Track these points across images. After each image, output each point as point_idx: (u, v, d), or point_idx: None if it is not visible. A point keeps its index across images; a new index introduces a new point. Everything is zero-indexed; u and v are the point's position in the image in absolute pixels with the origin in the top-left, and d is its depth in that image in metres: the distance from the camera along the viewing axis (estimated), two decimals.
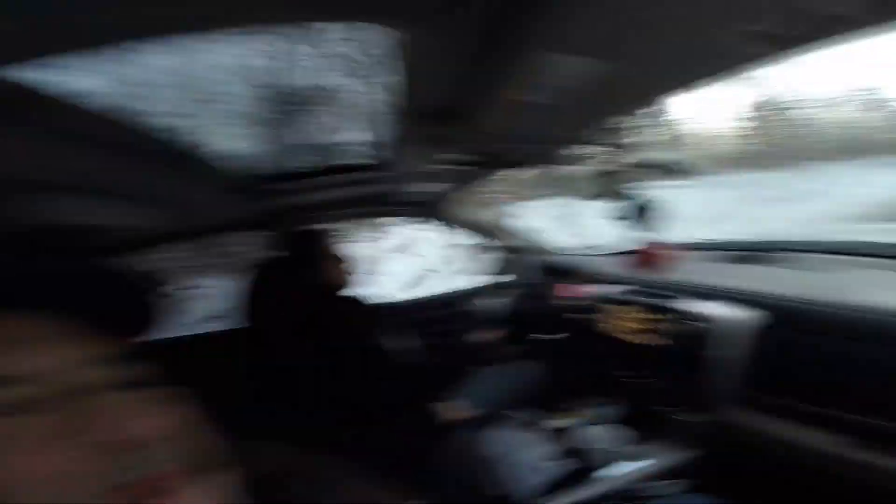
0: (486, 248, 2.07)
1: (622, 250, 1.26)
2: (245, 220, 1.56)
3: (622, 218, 1.20)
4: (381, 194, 1.66)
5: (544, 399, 1.54)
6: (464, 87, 0.74)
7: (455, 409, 1.34)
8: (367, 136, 1.20)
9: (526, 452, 1.16)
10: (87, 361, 0.39)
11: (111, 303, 0.42)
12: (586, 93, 0.75)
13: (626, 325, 1.31)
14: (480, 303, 1.91)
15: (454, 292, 2.22)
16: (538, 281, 1.95)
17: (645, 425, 1.21)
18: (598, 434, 1.13)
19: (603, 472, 1.07)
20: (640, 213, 1.17)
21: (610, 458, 1.09)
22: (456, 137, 0.91)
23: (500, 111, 0.81)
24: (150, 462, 0.36)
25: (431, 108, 0.82)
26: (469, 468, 1.15)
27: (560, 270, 1.86)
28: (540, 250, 2.05)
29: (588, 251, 1.98)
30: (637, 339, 1.25)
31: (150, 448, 0.36)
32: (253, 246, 1.95)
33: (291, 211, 1.53)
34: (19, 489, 0.32)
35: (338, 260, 1.46)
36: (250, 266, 1.40)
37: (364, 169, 1.39)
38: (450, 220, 1.99)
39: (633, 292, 1.37)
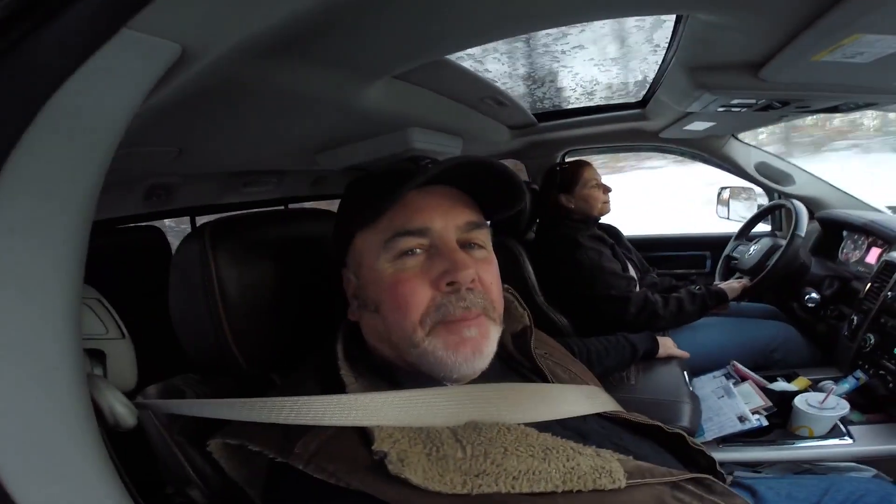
0: (753, 193, 1.90)
1: None
2: (524, 151, 1.90)
3: None
4: (642, 130, 1.75)
5: (781, 358, 1.49)
6: (758, 47, 0.77)
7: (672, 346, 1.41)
8: (637, 78, 1.30)
9: (733, 403, 1.18)
10: (461, 226, 0.55)
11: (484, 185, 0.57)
12: None
13: None
14: (735, 250, 1.82)
15: (705, 234, 2.16)
16: (816, 237, 1.72)
17: (884, 409, 1.10)
18: (820, 403, 1.07)
19: (804, 442, 1.05)
20: None
21: (822, 430, 1.06)
22: (741, 86, 0.93)
23: (802, 69, 0.80)
24: None
25: (717, 62, 0.87)
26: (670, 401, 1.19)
27: (850, 227, 1.59)
28: (826, 203, 1.78)
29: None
30: None
31: None
32: None
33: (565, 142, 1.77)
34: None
35: (602, 189, 1.60)
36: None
37: (630, 107, 1.50)
38: (722, 162, 1.91)
39: None
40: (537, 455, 0.46)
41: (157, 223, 1.64)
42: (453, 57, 0.84)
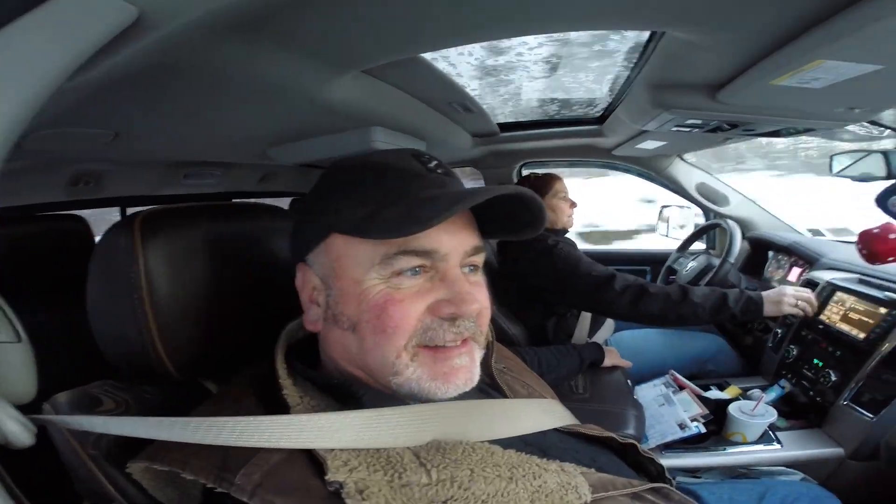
0: (691, 212, 2.04)
1: (862, 236, 1.16)
2: (483, 160, 1.92)
3: (881, 201, 1.11)
4: (596, 147, 1.82)
5: (713, 368, 1.60)
6: (723, 69, 0.80)
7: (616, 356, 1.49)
8: (596, 95, 1.34)
9: (674, 411, 1.24)
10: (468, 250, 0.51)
11: None
12: (852, 85, 0.73)
13: (833, 313, 1.24)
14: (676, 261, 1.94)
15: (646, 251, 2.28)
16: (744, 256, 1.87)
17: (805, 415, 1.20)
18: (751, 411, 1.16)
19: (739, 448, 1.13)
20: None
21: (753, 435, 1.13)
22: (698, 107, 0.97)
23: (758, 92, 0.84)
24: None
25: (679, 81, 0.91)
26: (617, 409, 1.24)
27: (775, 248, 1.74)
28: (755, 224, 1.94)
29: (819, 233, 1.78)
30: (841, 329, 1.19)
31: None
32: None
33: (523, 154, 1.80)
34: None
35: (570, 203, 1.61)
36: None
37: (588, 122, 1.55)
38: (666, 181, 2.03)
39: (856, 281, 1.27)
40: (504, 475, 0.44)
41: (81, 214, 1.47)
42: (427, 56, 0.82)
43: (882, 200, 1.12)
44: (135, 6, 0.32)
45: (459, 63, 1.06)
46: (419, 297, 0.47)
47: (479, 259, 0.53)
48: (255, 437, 0.40)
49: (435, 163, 0.52)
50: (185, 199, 1.70)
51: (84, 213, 1.45)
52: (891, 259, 1.13)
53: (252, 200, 1.99)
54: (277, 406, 0.45)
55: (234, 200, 1.92)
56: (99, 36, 0.33)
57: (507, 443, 0.50)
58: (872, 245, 1.15)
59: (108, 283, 0.54)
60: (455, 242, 0.49)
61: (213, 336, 0.58)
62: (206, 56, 0.53)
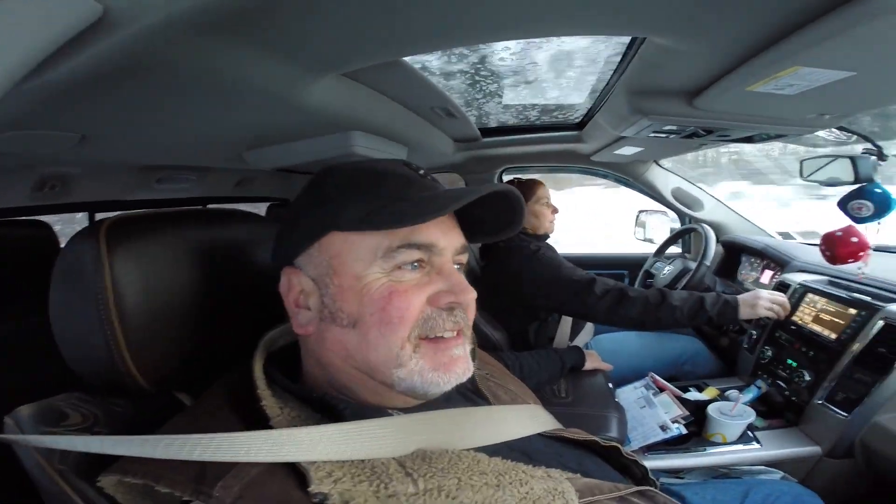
0: (667, 217, 2.08)
1: (825, 238, 1.21)
2: (465, 165, 1.94)
3: (842, 205, 1.16)
4: (576, 153, 1.84)
5: (691, 369, 1.62)
6: (701, 75, 0.82)
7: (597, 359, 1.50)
8: (576, 101, 1.36)
9: (655, 413, 1.26)
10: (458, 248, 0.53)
11: None
12: (824, 91, 0.76)
13: (805, 314, 1.28)
14: (654, 265, 1.97)
15: (624, 255, 2.32)
16: (719, 259, 1.91)
17: (782, 414, 1.23)
18: (730, 411, 1.18)
19: (719, 448, 1.14)
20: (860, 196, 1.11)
21: (733, 436, 1.15)
22: (676, 113, 0.99)
23: (734, 98, 0.86)
24: None
25: (655, 87, 0.92)
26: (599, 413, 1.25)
27: (748, 251, 1.79)
28: (728, 228, 1.99)
29: (789, 236, 1.84)
30: (813, 330, 1.23)
31: None
32: None
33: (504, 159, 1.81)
34: None
35: (552, 208, 1.63)
36: None
37: (568, 128, 1.56)
38: (643, 186, 2.07)
39: (826, 283, 1.31)
40: (491, 483, 0.44)
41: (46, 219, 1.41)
42: (409, 60, 0.82)
43: (843, 204, 1.17)
44: (99, 3, 0.30)
45: (442, 67, 1.06)
46: (419, 289, 0.49)
47: (465, 258, 0.55)
48: (230, 452, 0.39)
49: (423, 171, 0.55)
50: (157, 205, 1.66)
51: None
52: (851, 260, 1.18)
53: (228, 206, 1.95)
54: (256, 418, 0.44)
55: (209, 206, 1.88)
56: (58, 33, 0.31)
57: (492, 450, 0.50)
58: (835, 248, 1.19)
59: (73, 293, 0.51)
60: (448, 239, 0.51)
61: (186, 347, 0.56)
62: (177, 56, 0.51)
